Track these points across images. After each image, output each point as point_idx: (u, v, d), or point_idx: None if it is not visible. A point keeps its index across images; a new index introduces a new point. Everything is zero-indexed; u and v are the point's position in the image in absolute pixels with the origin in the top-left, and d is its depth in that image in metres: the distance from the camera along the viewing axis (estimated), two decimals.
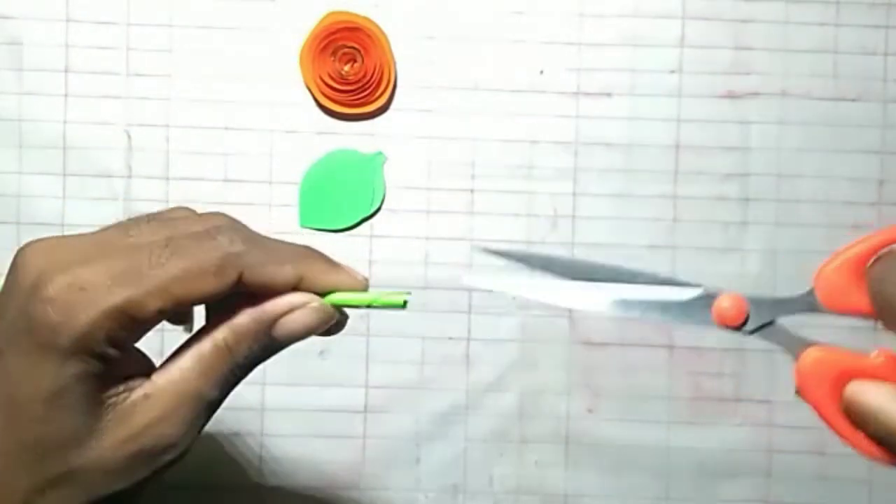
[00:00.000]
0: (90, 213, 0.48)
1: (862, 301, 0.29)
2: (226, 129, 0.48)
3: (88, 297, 0.26)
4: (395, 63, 0.48)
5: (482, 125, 0.49)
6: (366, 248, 0.48)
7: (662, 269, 0.48)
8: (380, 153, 0.49)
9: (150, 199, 0.48)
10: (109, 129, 0.48)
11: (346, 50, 0.47)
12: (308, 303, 0.29)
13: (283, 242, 0.30)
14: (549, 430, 0.48)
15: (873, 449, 0.29)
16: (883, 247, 0.29)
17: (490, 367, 0.48)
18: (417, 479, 0.49)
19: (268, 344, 0.29)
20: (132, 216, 0.30)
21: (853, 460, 0.50)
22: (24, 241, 0.28)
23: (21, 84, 0.48)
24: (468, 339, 0.48)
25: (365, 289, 0.31)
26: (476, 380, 0.49)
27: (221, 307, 0.29)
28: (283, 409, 0.48)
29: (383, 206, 0.49)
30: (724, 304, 0.31)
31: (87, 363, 0.26)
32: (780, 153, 0.49)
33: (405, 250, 0.49)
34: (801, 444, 0.49)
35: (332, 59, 0.48)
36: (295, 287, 0.29)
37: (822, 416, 0.29)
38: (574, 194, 0.49)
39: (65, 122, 0.48)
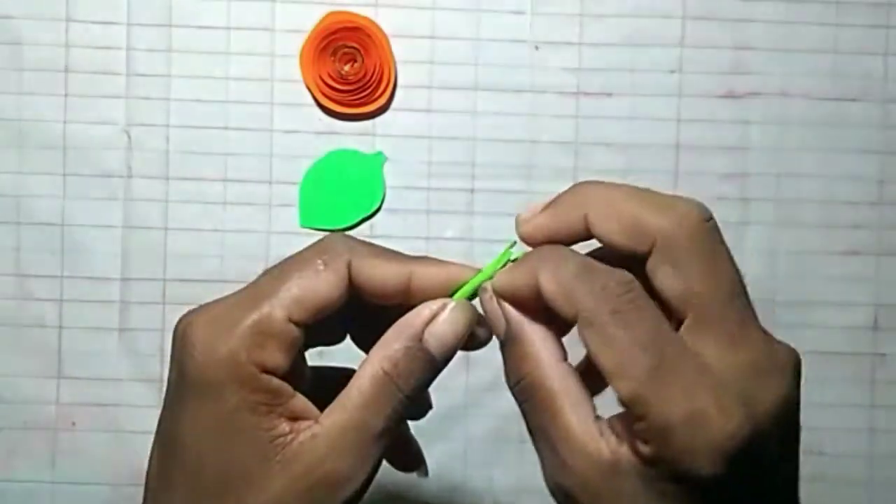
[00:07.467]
0: (90, 213, 0.48)
1: None
2: (226, 129, 0.48)
3: (221, 326, 0.27)
4: (395, 63, 0.48)
5: (482, 125, 0.49)
6: None
7: None
8: (380, 153, 0.49)
9: (150, 199, 0.48)
10: (109, 129, 0.48)
11: (346, 50, 0.47)
12: (446, 304, 0.29)
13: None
14: None
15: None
16: None
17: (490, 367, 0.48)
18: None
19: (425, 360, 0.28)
20: None
21: (853, 460, 0.50)
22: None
23: (21, 84, 0.48)
24: None
25: (474, 271, 0.30)
26: (476, 380, 0.49)
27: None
28: None
29: (383, 206, 0.49)
30: None
31: (241, 393, 0.27)
32: (780, 153, 0.49)
33: (405, 250, 0.48)
34: (801, 444, 0.49)
35: (332, 59, 0.48)
36: (410, 291, 0.29)
37: None
38: None
39: (65, 122, 0.48)
